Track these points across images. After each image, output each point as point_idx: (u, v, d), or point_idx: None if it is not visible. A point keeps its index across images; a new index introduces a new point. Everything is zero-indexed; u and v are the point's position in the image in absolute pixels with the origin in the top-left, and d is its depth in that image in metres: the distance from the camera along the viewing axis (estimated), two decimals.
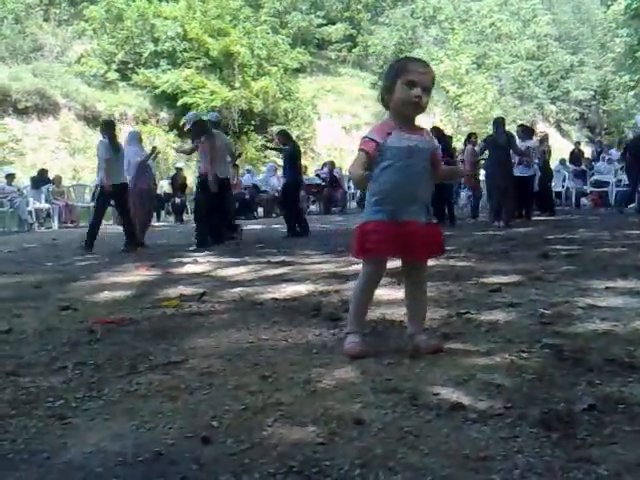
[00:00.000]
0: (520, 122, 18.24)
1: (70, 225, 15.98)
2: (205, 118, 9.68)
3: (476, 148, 12.02)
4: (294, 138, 11.17)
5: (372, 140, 2.44)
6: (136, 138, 9.38)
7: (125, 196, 8.34)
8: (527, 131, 12.37)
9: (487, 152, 10.71)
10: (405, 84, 2.40)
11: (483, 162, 11.95)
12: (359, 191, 17.04)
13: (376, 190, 2.47)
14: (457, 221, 10.97)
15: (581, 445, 1.57)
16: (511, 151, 10.41)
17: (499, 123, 10.56)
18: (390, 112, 2.51)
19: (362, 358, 2.40)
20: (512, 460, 1.49)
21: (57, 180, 16.43)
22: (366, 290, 2.60)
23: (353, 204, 19.42)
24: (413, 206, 2.46)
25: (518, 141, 11.17)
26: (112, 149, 8.06)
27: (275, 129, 25.73)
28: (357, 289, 2.62)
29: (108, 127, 8.42)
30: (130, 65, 24.89)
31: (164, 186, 17.58)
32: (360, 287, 2.60)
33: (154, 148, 9.96)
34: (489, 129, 26.99)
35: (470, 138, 12.65)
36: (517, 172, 10.91)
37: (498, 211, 10.26)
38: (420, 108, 2.44)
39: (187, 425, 1.79)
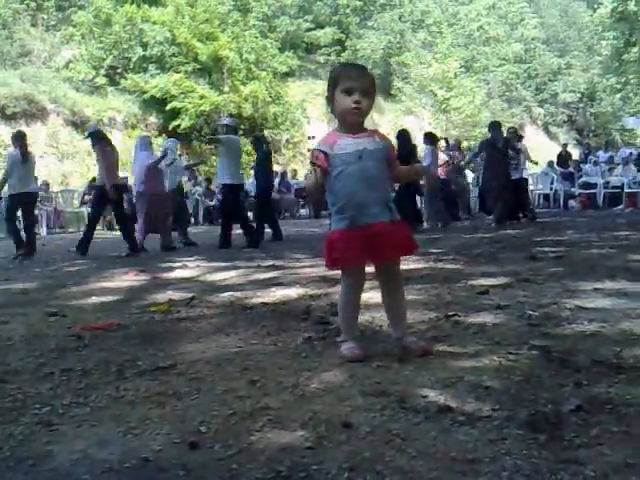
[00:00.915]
0: (509, 125, 18.35)
1: (58, 230, 15.92)
2: (223, 123, 9.74)
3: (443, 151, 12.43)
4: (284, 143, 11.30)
5: (320, 152, 2.44)
6: (146, 143, 9.42)
7: (33, 205, 9.11)
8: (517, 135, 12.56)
9: (483, 154, 10.91)
10: (342, 92, 2.41)
11: (473, 165, 12.10)
12: None
13: (334, 199, 2.48)
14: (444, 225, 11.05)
15: (568, 446, 1.58)
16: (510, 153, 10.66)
17: (496, 126, 10.76)
18: (337, 121, 2.53)
19: (360, 362, 2.39)
20: (500, 462, 1.49)
21: (45, 186, 16.35)
22: (350, 300, 2.58)
23: None
24: (373, 208, 2.44)
25: None
26: (22, 159, 8.42)
27: (265, 133, 25.81)
28: (341, 300, 2.61)
29: (18, 138, 8.71)
30: (119, 70, 24.84)
31: None
32: (343, 297, 2.60)
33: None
34: (477, 132, 27.10)
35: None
36: (516, 175, 11.14)
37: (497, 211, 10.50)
38: (361, 113, 2.44)
39: (175, 431, 1.78)
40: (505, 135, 11.48)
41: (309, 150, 2.66)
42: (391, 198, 2.62)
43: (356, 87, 2.40)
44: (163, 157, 9.40)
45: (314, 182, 2.44)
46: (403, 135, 10.31)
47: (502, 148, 10.47)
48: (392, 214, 2.50)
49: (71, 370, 2.49)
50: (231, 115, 16.53)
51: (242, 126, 24.60)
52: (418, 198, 11.31)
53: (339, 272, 4.75)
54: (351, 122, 2.47)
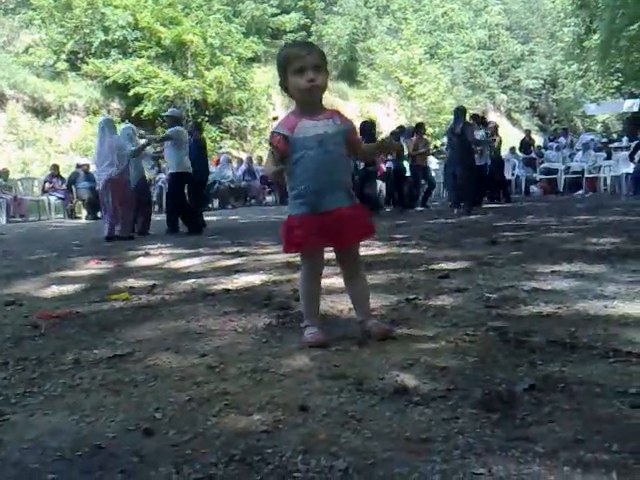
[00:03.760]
0: (472, 111, 18.50)
1: (19, 219, 15.60)
2: (166, 114, 9.69)
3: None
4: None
5: (279, 134, 2.42)
6: (114, 126, 9.16)
7: None
8: (479, 121, 12.62)
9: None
10: (294, 73, 2.38)
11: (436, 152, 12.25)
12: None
13: (294, 184, 2.46)
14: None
15: (520, 424, 1.60)
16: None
17: (459, 112, 10.72)
18: (295, 102, 2.49)
19: (323, 347, 2.39)
20: (453, 441, 1.51)
21: (4, 173, 15.99)
22: (309, 284, 2.58)
23: None
24: (334, 193, 2.44)
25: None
26: None
27: (230, 119, 25.58)
28: (301, 285, 2.62)
29: None
30: (80, 55, 24.29)
31: None
32: (303, 282, 2.60)
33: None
34: (442, 119, 27.25)
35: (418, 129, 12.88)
36: (481, 162, 11.25)
37: (458, 199, 10.50)
38: (318, 89, 2.41)
39: (129, 418, 1.76)
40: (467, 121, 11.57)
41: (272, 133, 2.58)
42: (351, 182, 2.61)
43: (307, 64, 2.36)
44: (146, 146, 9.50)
45: (275, 168, 2.38)
46: (365, 127, 10.29)
47: (461, 134, 10.48)
48: (351, 198, 2.51)
49: (26, 359, 2.45)
50: (175, 106, 16.35)
51: (207, 112, 24.43)
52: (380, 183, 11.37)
53: None
54: (309, 101, 2.44)
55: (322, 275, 2.64)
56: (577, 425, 1.57)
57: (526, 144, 19.40)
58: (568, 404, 1.71)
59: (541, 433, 1.54)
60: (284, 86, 2.47)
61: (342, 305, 3.11)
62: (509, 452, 1.44)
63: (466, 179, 10.31)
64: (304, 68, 2.36)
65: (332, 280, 3.56)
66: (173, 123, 9.16)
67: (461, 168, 10.42)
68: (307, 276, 2.58)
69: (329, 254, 2.64)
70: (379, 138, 11.30)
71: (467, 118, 11.17)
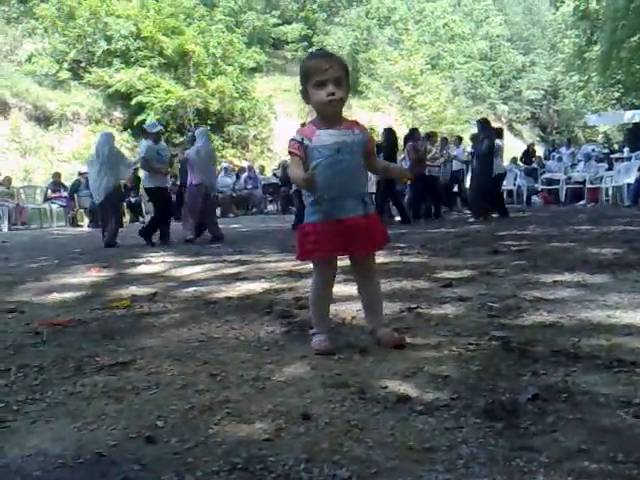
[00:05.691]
0: (473, 123, 18.52)
1: (21, 227, 15.62)
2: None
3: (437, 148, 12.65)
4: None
5: (297, 141, 2.42)
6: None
7: None
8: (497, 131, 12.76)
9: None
10: (315, 87, 2.38)
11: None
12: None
13: (310, 191, 2.45)
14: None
15: (524, 434, 1.59)
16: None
17: (488, 124, 11.16)
18: (316, 113, 2.50)
19: (330, 355, 2.38)
20: (456, 450, 1.50)
21: (7, 181, 16.02)
22: (320, 291, 2.58)
23: None
24: (349, 201, 2.44)
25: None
26: None
27: (232, 128, 25.65)
28: (312, 293, 2.61)
29: None
30: (82, 64, 24.40)
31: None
32: (314, 289, 2.59)
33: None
34: (443, 129, 27.33)
35: (413, 135, 12.80)
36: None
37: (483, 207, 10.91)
38: (337, 103, 2.41)
39: (131, 426, 1.75)
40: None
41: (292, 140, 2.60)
42: (367, 191, 2.61)
43: (328, 78, 2.36)
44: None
45: (305, 175, 2.35)
46: (391, 133, 10.93)
47: (491, 145, 10.89)
48: (366, 208, 2.50)
49: (28, 366, 2.44)
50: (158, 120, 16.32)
51: (209, 121, 24.48)
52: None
53: (305, 266, 4.76)
54: (329, 114, 2.45)
55: (334, 283, 2.63)
56: (581, 435, 1.56)
57: (529, 156, 19.47)
58: (572, 414, 1.70)
59: (545, 443, 1.53)
60: (304, 97, 2.47)
61: (345, 313, 3.11)
62: (513, 462, 1.44)
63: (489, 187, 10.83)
64: (325, 82, 2.36)
65: (336, 288, 3.55)
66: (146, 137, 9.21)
67: (485, 177, 10.84)
68: (318, 283, 2.58)
69: (340, 261, 2.63)
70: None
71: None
